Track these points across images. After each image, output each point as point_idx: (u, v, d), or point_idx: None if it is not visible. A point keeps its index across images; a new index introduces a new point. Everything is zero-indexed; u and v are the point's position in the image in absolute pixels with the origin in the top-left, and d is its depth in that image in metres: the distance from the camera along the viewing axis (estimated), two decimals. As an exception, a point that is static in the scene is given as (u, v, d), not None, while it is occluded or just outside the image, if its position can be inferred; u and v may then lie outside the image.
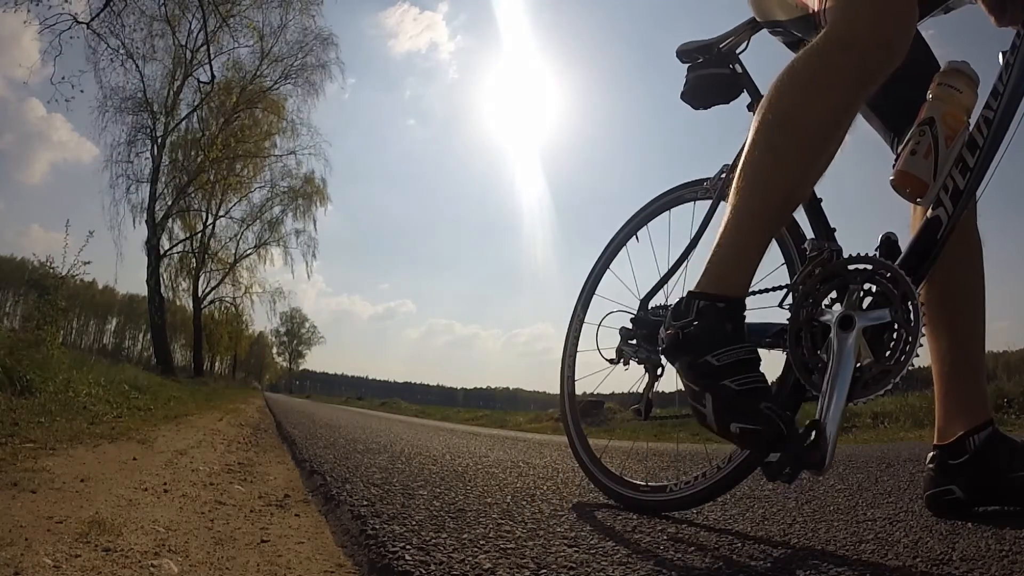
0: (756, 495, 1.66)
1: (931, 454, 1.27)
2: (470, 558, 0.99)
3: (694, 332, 1.04)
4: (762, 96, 1.46)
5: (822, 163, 1.06)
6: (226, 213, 24.85)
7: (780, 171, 1.03)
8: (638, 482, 1.48)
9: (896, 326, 0.99)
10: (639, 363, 1.51)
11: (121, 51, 17.48)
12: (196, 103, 20.92)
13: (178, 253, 23.88)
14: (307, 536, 1.30)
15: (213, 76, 16.69)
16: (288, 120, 23.25)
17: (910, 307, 0.98)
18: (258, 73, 21.77)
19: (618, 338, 1.58)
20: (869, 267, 1.06)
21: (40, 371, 3.88)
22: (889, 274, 1.02)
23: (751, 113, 1.46)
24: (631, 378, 1.57)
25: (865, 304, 1.04)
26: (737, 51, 1.53)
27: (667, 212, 1.64)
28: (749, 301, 1.11)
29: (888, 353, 0.99)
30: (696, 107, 1.58)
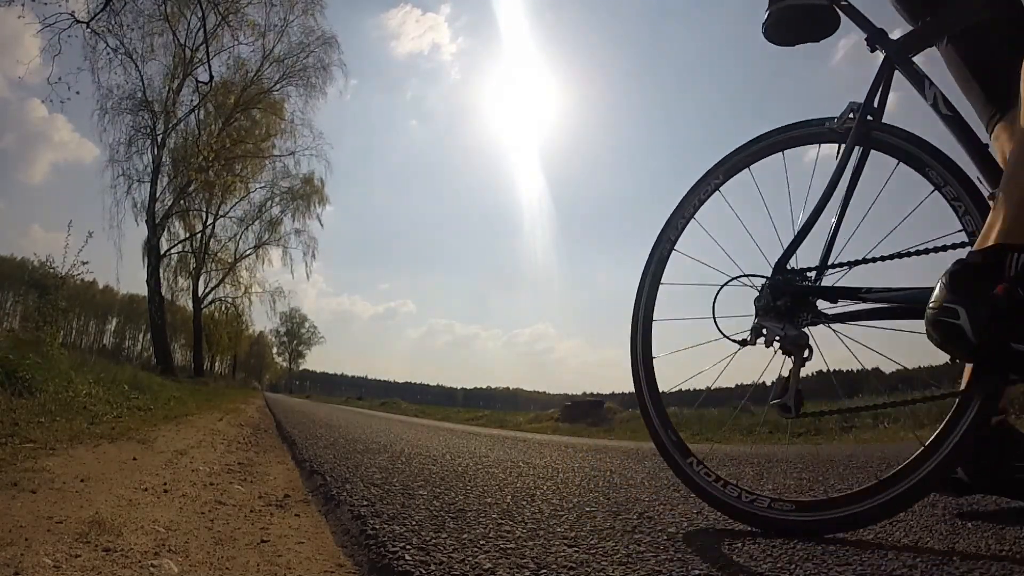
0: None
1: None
2: (470, 558, 0.99)
3: None
4: (878, 30, 1.27)
5: None
6: (226, 213, 24.93)
7: None
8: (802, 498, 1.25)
9: None
10: (779, 342, 1.24)
11: (120, 50, 17.52)
12: (196, 103, 20.96)
13: (178, 253, 23.97)
14: (307, 536, 1.30)
15: (211, 76, 16.70)
16: (288, 121, 23.33)
17: None
18: (259, 73, 21.83)
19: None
20: None
21: (40, 371, 3.88)
22: None
23: (871, 48, 1.29)
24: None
25: None
26: None
27: (776, 155, 1.38)
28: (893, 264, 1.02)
29: None
30: (780, 43, 1.41)
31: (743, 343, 1.28)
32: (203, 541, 1.21)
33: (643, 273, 1.49)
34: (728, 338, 1.29)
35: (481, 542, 1.09)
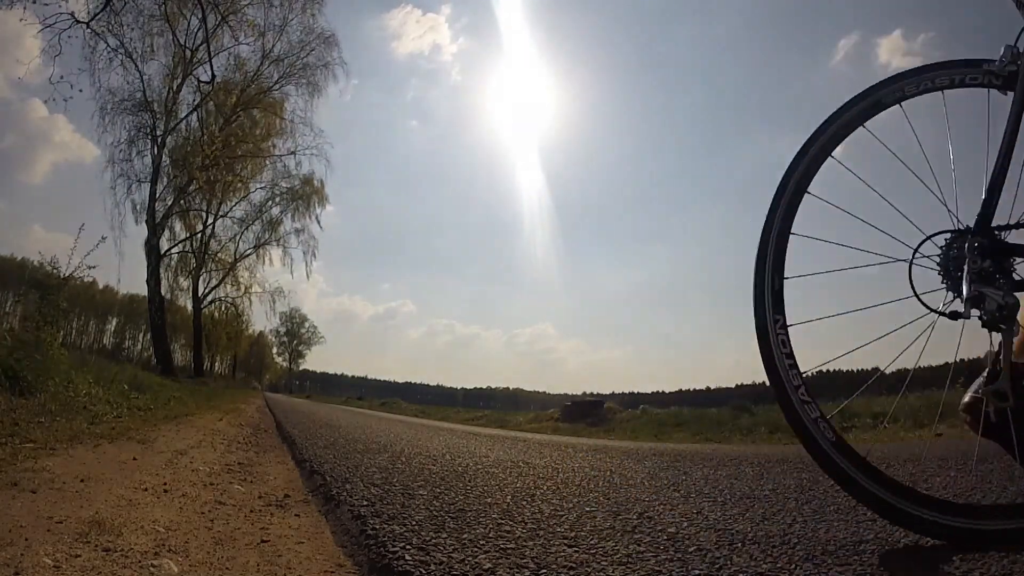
0: (756, 495, 1.66)
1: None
2: (470, 558, 0.99)
3: None
4: None
5: None
6: (226, 213, 24.95)
7: None
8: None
9: None
10: (991, 316, 1.02)
11: (120, 50, 17.50)
12: (196, 103, 20.98)
13: (178, 253, 23.96)
14: (307, 536, 1.30)
15: (213, 76, 16.71)
16: (289, 120, 23.32)
17: None
18: (259, 73, 21.83)
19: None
20: None
21: (40, 371, 3.88)
22: None
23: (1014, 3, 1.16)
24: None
25: None
26: None
27: (931, 95, 1.19)
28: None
29: None
30: None
31: (954, 316, 1.04)
32: (203, 541, 1.21)
33: (765, 229, 1.20)
34: (927, 305, 1.07)
35: (481, 542, 1.09)
